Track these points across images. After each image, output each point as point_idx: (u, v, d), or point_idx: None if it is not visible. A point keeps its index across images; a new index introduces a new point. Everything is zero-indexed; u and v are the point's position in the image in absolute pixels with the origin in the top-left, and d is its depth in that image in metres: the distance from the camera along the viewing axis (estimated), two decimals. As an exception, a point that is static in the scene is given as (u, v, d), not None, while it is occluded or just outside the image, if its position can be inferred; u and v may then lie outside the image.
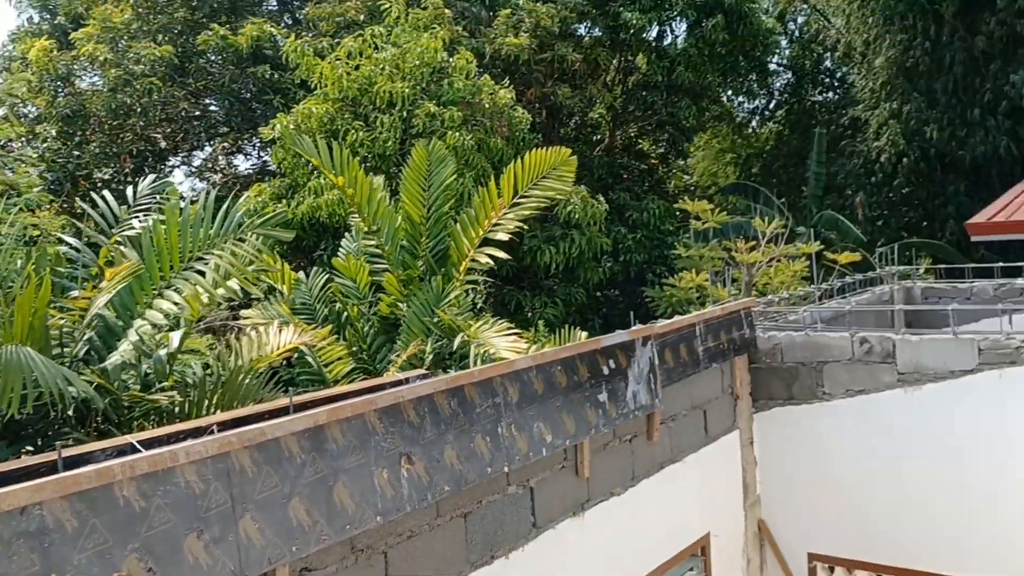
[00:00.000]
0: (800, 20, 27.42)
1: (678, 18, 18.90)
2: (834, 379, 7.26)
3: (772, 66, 25.78)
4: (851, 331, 7.27)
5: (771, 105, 28.53)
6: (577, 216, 14.17)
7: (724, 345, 7.28)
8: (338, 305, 8.34)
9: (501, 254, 8.92)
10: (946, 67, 21.52)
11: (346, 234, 9.36)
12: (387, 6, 14.24)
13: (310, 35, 15.48)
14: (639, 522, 5.95)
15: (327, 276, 8.68)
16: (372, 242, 8.48)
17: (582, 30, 19.37)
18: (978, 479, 6.58)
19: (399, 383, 4.65)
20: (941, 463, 6.69)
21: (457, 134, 12.21)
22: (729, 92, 23.07)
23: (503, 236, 8.70)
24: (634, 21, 17.36)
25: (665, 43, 20.07)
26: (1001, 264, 12.00)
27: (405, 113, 12.55)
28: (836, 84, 27.97)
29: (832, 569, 7.31)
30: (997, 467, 6.49)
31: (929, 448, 6.73)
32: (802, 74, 27.65)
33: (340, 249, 9.19)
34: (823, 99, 28.06)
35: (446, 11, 14.53)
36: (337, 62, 12.75)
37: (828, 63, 27.64)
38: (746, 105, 28.12)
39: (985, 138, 20.79)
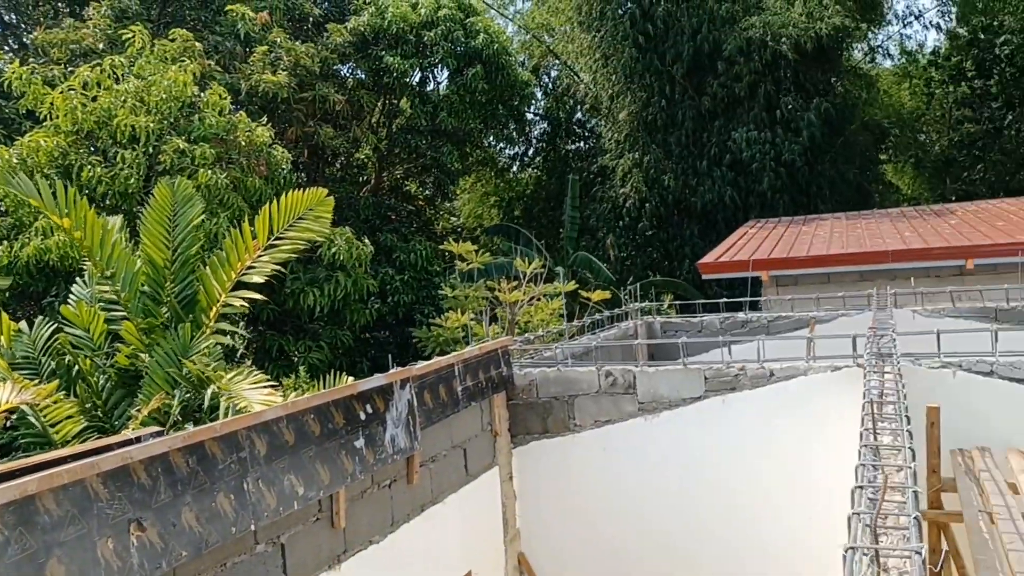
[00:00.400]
0: (553, 74, 29.29)
1: (440, 65, 19.47)
2: (584, 411, 7.68)
3: (529, 115, 27.27)
4: (597, 365, 7.75)
5: (530, 152, 30.12)
6: (342, 258, 13.99)
7: (483, 383, 7.47)
8: (68, 358, 7.55)
9: (257, 296, 8.57)
10: (679, 123, 23.93)
11: (77, 279, 8.53)
12: (129, 35, 13.35)
13: (39, 62, 14.10)
14: (399, 568, 5.88)
15: (55, 326, 7.84)
16: (108, 288, 7.79)
17: (345, 71, 19.35)
18: (708, 497, 7.21)
19: (129, 442, 4.27)
20: (676, 484, 7.28)
21: (210, 172, 11.63)
22: (491, 138, 24.03)
23: (258, 279, 8.36)
24: (396, 65, 17.65)
25: (428, 88, 20.59)
26: (726, 300, 13.43)
27: (150, 149, 11.75)
28: (587, 134, 30.10)
29: (586, 594, 7.66)
30: (723, 485, 7.16)
31: (666, 470, 7.30)
32: (557, 124, 29.47)
33: (71, 296, 8.35)
34: (576, 148, 30.06)
35: (196, 44, 13.89)
36: (71, 92, 11.70)
37: (579, 115, 29.70)
38: (507, 151, 29.45)
39: (712, 187, 23.27)
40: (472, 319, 13.97)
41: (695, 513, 7.21)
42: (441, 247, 16.00)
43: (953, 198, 28.13)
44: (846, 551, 2.25)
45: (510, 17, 30.11)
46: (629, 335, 11.61)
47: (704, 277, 17.13)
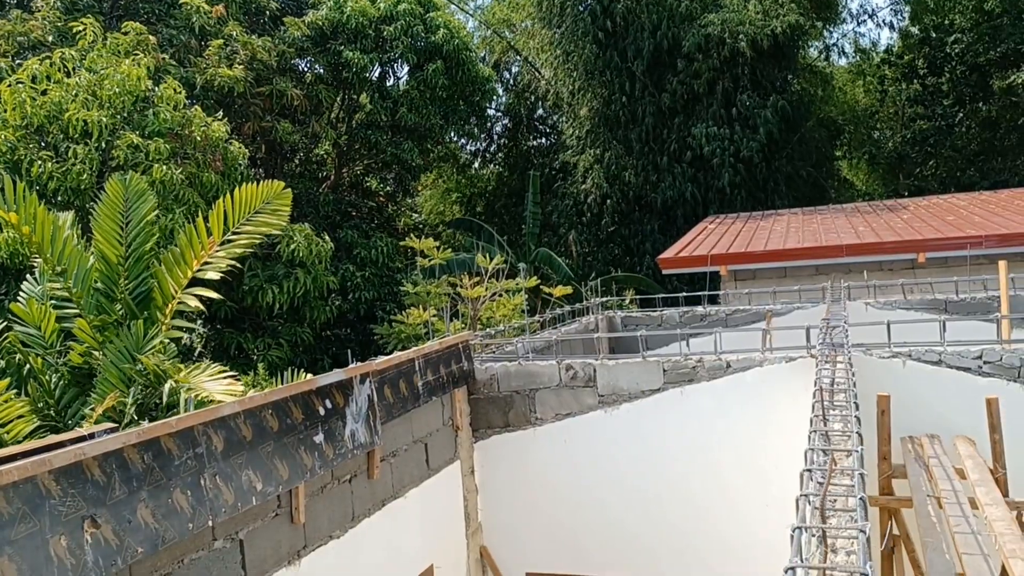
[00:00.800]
0: (514, 70, 29.32)
1: (399, 60, 19.38)
2: (545, 404, 7.73)
3: (491, 111, 27.26)
4: (558, 359, 7.80)
5: (492, 148, 30.12)
6: (301, 254, 13.86)
7: (444, 378, 7.48)
8: (18, 356, 7.38)
9: (213, 294, 8.45)
10: (640, 119, 24.12)
11: (28, 276, 8.34)
12: (80, 28, 13.07)
13: (-15, 54, 13.75)
14: (361, 563, 5.87)
15: (4, 324, 7.65)
16: (59, 285, 7.63)
17: (303, 66, 19.16)
18: (665, 487, 7.31)
19: (82, 439, 4.21)
20: (635, 475, 7.36)
21: (164, 167, 11.44)
22: (452, 134, 23.97)
23: (214, 275, 8.25)
24: (355, 60, 17.52)
25: (388, 84, 20.46)
26: (686, 294, 13.60)
27: (103, 144, 11.52)
28: (548, 131, 30.20)
29: (548, 586, 7.72)
30: (680, 475, 7.26)
31: (625, 461, 7.38)
32: (518, 120, 29.50)
33: (22, 293, 8.17)
34: (537, 144, 30.14)
35: (150, 37, 13.64)
36: (19, 85, 11.42)
37: (541, 111, 29.77)
38: (469, 147, 29.41)
39: (672, 183, 23.51)
40: (434, 315, 13.94)
41: (653, 504, 7.30)
42: (402, 243, 15.93)
43: (906, 193, 28.81)
44: (794, 530, 2.31)
45: (470, 12, 30.07)
46: (590, 329, 11.69)
47: (664, 272, 17.32)
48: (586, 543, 7.53)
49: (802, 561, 2.43)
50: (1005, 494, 5.67)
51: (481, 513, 7.85)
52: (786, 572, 2.06)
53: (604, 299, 13.22)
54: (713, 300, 14.97)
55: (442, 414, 7.48)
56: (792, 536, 2.30)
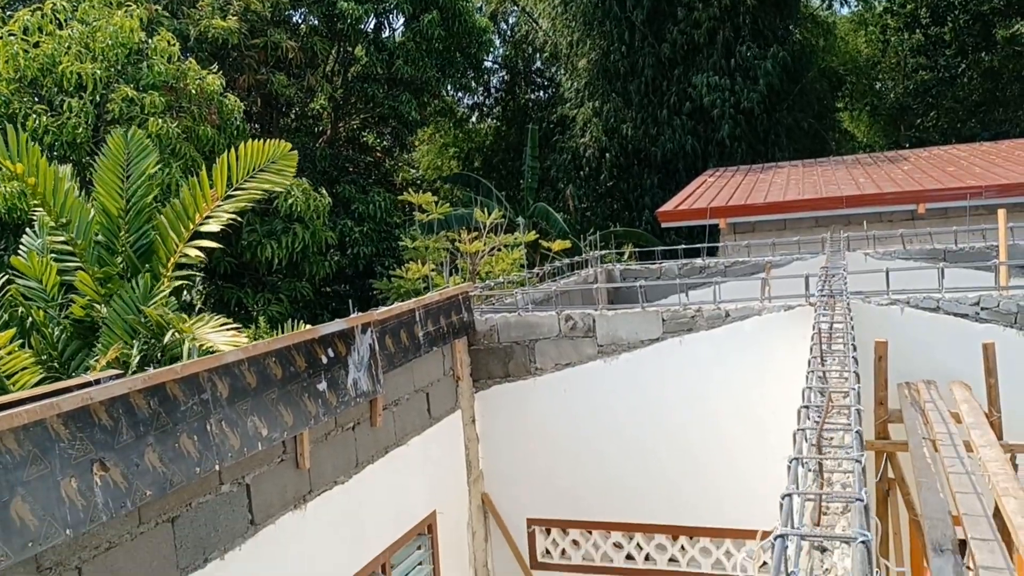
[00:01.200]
0: (512, 20, 28.89)
1: (395, 11, 19.10)
2: (544, 355, 7.79)
3: (488, 64, 26.94)
4: (557, 310, 7.84)
5: (489, 101, 29.82)
6: (299, 209, 13.83)
7: (444, 329, 7.53)
8: (20, 309, 7.42)
9: (214, 245, 8.49)
10: (639, 70, 23.84)
11: (27, 230, 8.34)
12: (72, -22, 12.86)
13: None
14: (365, 508, 5.98)
15: (6, 277, 7.68)
16: (61, 238, 7.64)
17: (297, 17, 18.89)
18: (663, 437, 7.39)
19: (88, 384, 4.25)
20: (633, 425, 7.45)
21: (160, 121, 11.36)
22: (449, 87, 23.72)
23: (215, 227, 8.26)
24: (350, 11, 17.26)
25: (384, 35, 20.19)
26: (684, 246, 13.60)
27: (98, 97, 11.41)
28: (546, 83, 29.89)
29: (548, 531, 7.87)
30: (678, 424, 7.34)
31: (624, 411, 7.46)
32: (516, 72, 29.16)
33: (22, 247, 8.17)
34: (535, 97, 29.84)
35: (144, -12, 13.44)
36: (11, 38, 11.27)
37: (539, 63, 29.42)
38: (466, 101, 29.12)
39: (672, 136, 23.34)
40: (433, 270, 13.97)
41: (651, 453, 7.40)
42: (400, 198, 15.89)
43: (907, 145, 28.64)
44: (790, 461, 2.36)
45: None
46: (589, 282, 11.72)
47: (663, 225, 17.29)
48: (584, 492, 7.65)
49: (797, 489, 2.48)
50: (1000, 437, 5.76)
51: (482, 461, 7.97)
52: (783, 499, 2.11)
53: (603, 253, 13.23)
54: (712, 253, 14.98)
55: (443, 364, 7.54)
56: (789, 467, 2.35)
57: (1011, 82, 29.04)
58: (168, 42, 12.31)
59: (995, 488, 4.30)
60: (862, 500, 2.08)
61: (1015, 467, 5.77)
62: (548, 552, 7.93)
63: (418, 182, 27.27)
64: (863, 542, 1.85)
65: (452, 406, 7.64)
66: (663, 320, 7.43)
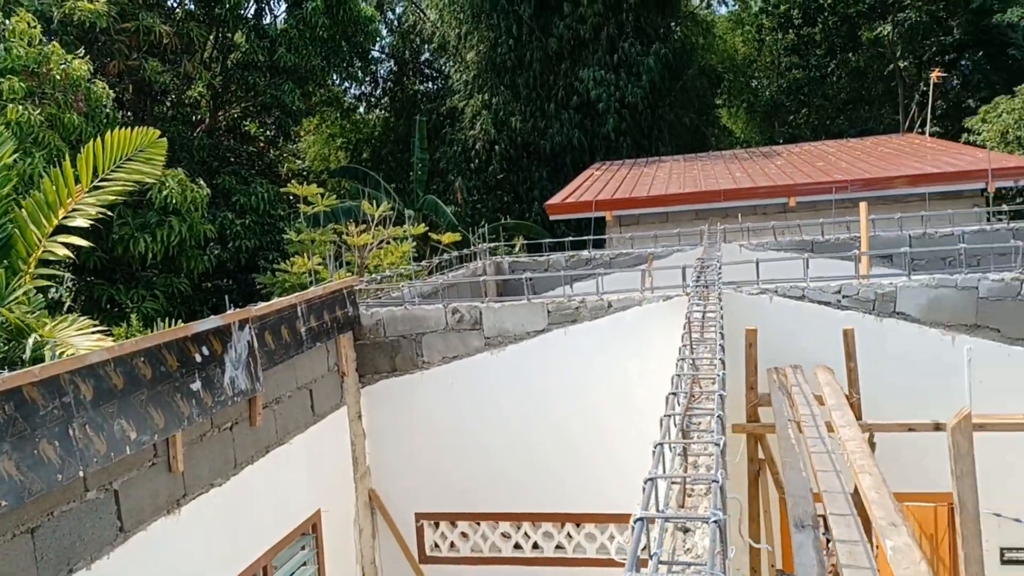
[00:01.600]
0: (399, 10, 28.57)
1: (276, -3, 18.56)
2: (431, 348, 7.76)
3: (375, 53, 26.55)
4: (444, 303, 7.83)
5: (377, 92, 29.41)
6: (175, 201, 13.25)
7: (328, 324, 7.39)
8: None
9: (81, 242, 8.03)
10: (527, 64, 24.05)
11: None
12: (-84, -48, 11.86)
13: None
14: (244, 510, 5.81)
15: None
16: (-96, 233, 7.05)
17: (172, 1, 18.07)
18: (548, 429, 7.50)
19: (-69, 392, 3.95)
20: (519, 417, 7.53)
21: (20, 108, 10.64)
22: (335, 77, 23.24)
23: (82, 222, 7.83)
24: (230, -4, 16.66)
25: (265, 22, 19.57)
26: (572, 239, 13.84)
27: (-51, 81, 10.59)
28: (436, 75, 29.73)
29: (437, 524, 7.87)
30: (562, 415, 7.46)
31: (509, 404, 7.54)
32: (404, 63, 28.86)
33: None
34: (424, 88, 29.63)
35: (-2, -35, 12.54)
36: None
37: (427, 54, 29.22)
38: (353, 91, 28.61)
39: (560, 129, 23.68)
40: (319, 264, 13.68)
41: (536, 446, 7.50)
42: (284, 190, 15.48)
43: (780, 140, 30.10)
44: (655, 446, 2.44)
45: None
46: (478, 275, 11.76)
47: (552, 218, 17.56)
48: (472, 484, 7.68)
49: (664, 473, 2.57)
50: (858, 417, 6.14)
51: (369, 457, 7.88)
52: (645, 483, 2.18)
53: (492, 245, 13.30)
54: (599, 245, 15.32)
55: (327, 360, 7.41)
56: (654, 452, 2.43)
57: (875, 81, 30.96)
58: (28, 23, 11.53)
59: (852, 466, 4.58)
60: (717, 481, 2.17)
61: (873, 445, 6.18)
62: (437, 546, 7.93)
63: (304, 173, 26.64)
64: (715, 522, 1.94)
65: (337, 402, 7.52)
66: (548, 312, 7.54)
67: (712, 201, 14.82)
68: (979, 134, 19.34)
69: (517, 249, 17.31)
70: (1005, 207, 12.93)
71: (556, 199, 16.43)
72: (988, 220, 13.16)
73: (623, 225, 15.74)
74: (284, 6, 19.18)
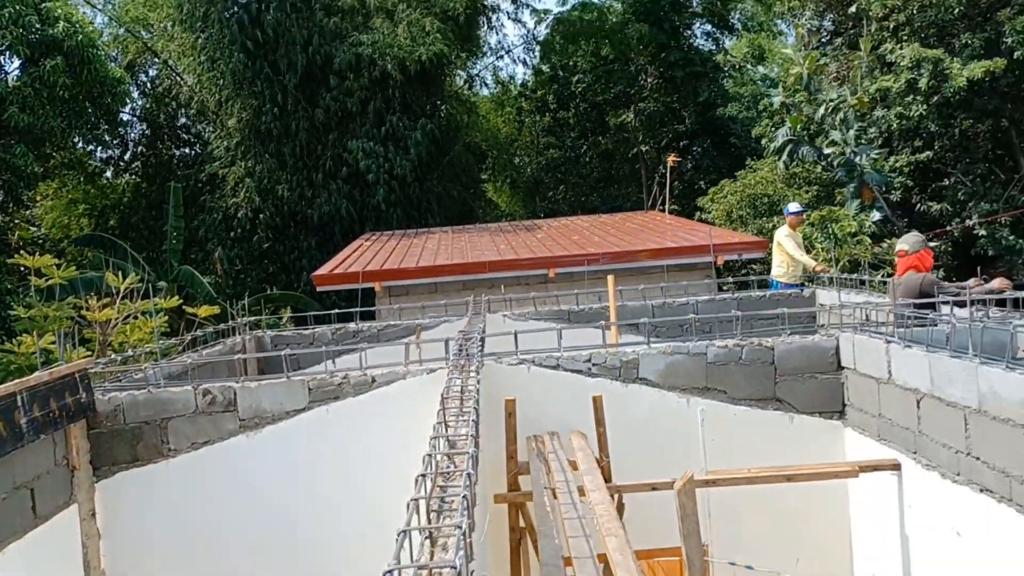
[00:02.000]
0: (152, 73, 27.20)
1: (8, 53, 16.94)
2: (179, 434, 7.18)
3: (126, 116, 24.95)
4: (194, 384, 7.31)
5: (127, 156, 27.56)
6: None
7: (56, 413, 6.62)
8: None
9: None
10: (293, 133, 23.72)
11: None
12: None
13: None
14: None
15: None
16: None
17: None
18: (314, 509, 7.18)
19: None
20: (281, 499, 7.14)
21: None
22: (78, 139, 21.48)
23: None
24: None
25: (-7, 78, 17.77)
26: (339, 311, 13.57)
27: None
28: (193, 140, 28.44)
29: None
30: (326, 496, 7.18)
31: (270, 486, 7.13)
32: (158, 127, 27.37)
33: None
34: (181, 153, 28.24)
35: None
36: None
37: (184, 119, 27.93)
38: (99, 154, 26.59)
39: (328, 199, 23.46)
40: (54, 342, 12.32)
41: (300, 526, 7.14)
42: (12, 261, 13.87)
43: (542, 215, 31.86)
44: (399, 534, 2.38)
45: (99, 7, 27.22)
46: (236, 351, 11.15)
47: (320, 289, 17.16)
48: (229, 573, 7.12)
49: (411, 561, 2.52)
50: (608, 479, 6.47)
51: (104, 560, 7.05)
52: (384, 575, 2.11)
53: (255, 318, 12.71)
54: (369, 316, 15.15)
55: (54, 453, 6.60)
56: (397, 539, 2.37)
57: (622, 162, 33.89)
58: None
59: (600, 529, 4.79)
60: (455, 567, 2.16)
61: (622, 506, 6.52)
62: (186, 652, 7.21)
63: (40, 242, 24.16)
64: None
65: (66, 500, 6.69)
66: (309, 389, 7.28)
67: (479, 272, 15.27)
68: (709, 212, 21.68)
69: (284, 321, 16.70)
70: (731, 278, 14.50)
71: (324, 270, 16.14)
72: (719, 290, 14.68)
73: (393, 296, 15.73)
74: (18, 62, 17.53)
